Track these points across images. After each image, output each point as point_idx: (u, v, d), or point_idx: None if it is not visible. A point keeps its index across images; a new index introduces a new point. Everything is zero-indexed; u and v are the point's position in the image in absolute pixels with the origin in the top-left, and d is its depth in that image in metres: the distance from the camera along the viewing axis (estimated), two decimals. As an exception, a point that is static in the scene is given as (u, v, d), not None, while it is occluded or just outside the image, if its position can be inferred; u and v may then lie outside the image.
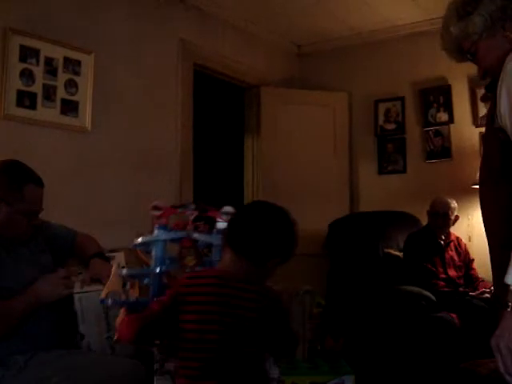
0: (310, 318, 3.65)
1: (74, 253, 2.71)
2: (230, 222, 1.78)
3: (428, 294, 4.20)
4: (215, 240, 1.94)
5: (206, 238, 1.96)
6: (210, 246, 1.98)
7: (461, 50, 1.99)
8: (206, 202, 2.22)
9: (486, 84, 2.00)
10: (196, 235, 1.93)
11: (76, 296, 2.39)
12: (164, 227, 1.99)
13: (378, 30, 5.57)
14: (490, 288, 4.16)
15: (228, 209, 1.98)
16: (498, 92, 1.77)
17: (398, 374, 3.90)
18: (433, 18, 4.98)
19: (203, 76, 5.24)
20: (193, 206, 2.04)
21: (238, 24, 5.35)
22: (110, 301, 1.90)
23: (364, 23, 5.47)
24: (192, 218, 2.02)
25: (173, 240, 1.98)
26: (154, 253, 1.96)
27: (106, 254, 2.80)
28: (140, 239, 1.99)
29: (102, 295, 1.94)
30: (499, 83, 1.77)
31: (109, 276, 2.08)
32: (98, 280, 2.41)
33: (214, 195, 5.59)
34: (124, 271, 2.07)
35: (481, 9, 1.87)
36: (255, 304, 1.68)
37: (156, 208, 2.01)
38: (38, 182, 2.41)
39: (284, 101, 5.67)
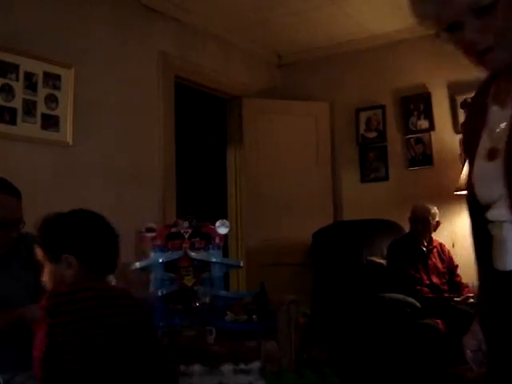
0: (295, 328, 3.64)
1: None
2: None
3: (412, 300, 4.21)
4: (213, 257, 1.93)
5: (204, 256, 1.95)
6: (207, 262, 1.97)
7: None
8: (191, 214, 2.21)
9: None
10: (193, 254, 1.92)
11: None
12: (161, 248, 1.98)
13: (357, 40, 5.60)
14: (474, 293, 4.18)
15: (222, 222, 1.97)
16: None
17: (385, 382, 3.90)
18: (411, 27, 5.03)
19: (184, 88, 5.24)
20: (187, 224, 2.03)
21: (218, 35, 5.36)
22: None
23: (344, 33, 5.50)
24: (187, 236, 2.01)
25: (170, 261, 1.97)
26: (153, 276, 1.94)
27: None
28: (138, 264, 1.97)
29: None
30: None
31: None
32: None
33: (197, 207, 5.58)
34: None
35: None
36: None
37: (149, 229, 1.99)
38: (12, 192, 2.38)
39: (266, 111, 5.68)
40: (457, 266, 4.62)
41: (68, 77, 3.98)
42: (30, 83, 3.78)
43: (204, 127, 6.70)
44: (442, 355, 3.82)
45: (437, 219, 4.58)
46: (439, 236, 4.74)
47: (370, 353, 4.13)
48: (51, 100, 3.89)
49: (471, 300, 4.20)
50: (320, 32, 5.47)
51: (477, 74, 1.66)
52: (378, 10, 4.99)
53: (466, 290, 4.41)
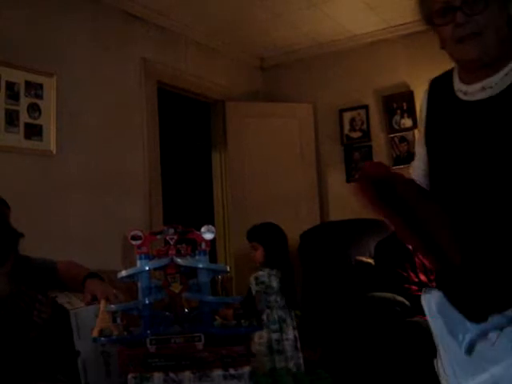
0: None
1: (60, 281, 2.64)
2: None
3: (401, 299, 4.22)
4: (200, 263, 1.93)
5: (190, 262, 1.94)
6: (194, 268, 1.96)
7: None
8: (177, 219, 2.20)
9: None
10: (179, 261, 1.91)
11: (72, 312, 2.36)
12: (146, 256, 1.97)
13: (338, 40, 5.63)
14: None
15: (208, 228, 1.97)
16: None
17: (376, 380, 3.91)
18: (391, 26, 5.06)
19: (167, 93, 5.23)
20: (172, 231, 2.03)
21: (199, 40, 5.36)
22: (102, 339, 1.87)
23: (325, 34, 5.52)
24: (173, 242, 2.00)
25: (156, 268, 1.96)
26: (139, 284, 1.93)
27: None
28: (124, 272, 1.96)
29: (94, 334, 1.92)
30: None
31: (112, 294, 2.05)
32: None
33: (184, 212, 5.57)
34: (113, 306, 2.04)
35: None
36: None
37: (135, 237, 1.98)
38: (2, 203, 2.37)
39: (249, 114, 5.69)
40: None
41: (50, 85, 3.97)
42: (12, 93, 3.76)
43: (188, 132, 6.69)
44: (432, 353, 3.83)
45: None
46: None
47: (361, 352, 4.14)
48: (34, 109, 3.88)
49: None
50: (301, 34, 5.48)
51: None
52: (357, 11, 5.01)
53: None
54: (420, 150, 1.87)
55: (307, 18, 5.14)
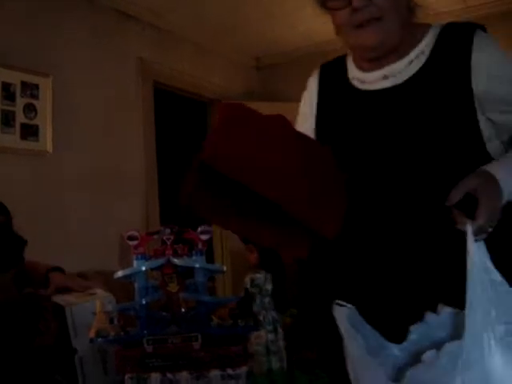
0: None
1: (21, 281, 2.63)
2: None
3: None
4: (196, 262, 1.93)
5: (187, 262, 1.95)
6: (191, 268, 1.97)
7: None
8: (174, 219, 2.21)
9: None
10: (176, 261, 1.92)
11: (67, 309, 2.35)
12: (143, 256, 1.97)
13: (334, 40, 5.60)
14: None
15: (205, 228, 1.97)
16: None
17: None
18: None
19: (164, 93, 5.23)
20: (168, 231, 2.03)
21: (195, 40, 5.36)
22: (99, 339, 1.88)
23: (321, 32, 5.52)
24: (170, 242, 2.00)
25: (153, 268, 1.96)
26: (136, 284, 1.93)
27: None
28: (120, 273, 1.97)
29: (91, 334, 1.92)
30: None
31: (78, 284, 2.05)
32: (67, 290, 2.37)
33: (180, 213, 5.57)
34: (111, 307, 2.04)
35: None
36: None
37: (131, 238, 1.99)
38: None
39: (246, 114, 5.68)
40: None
41: (46, 86, 3.97)
42: (8, 93, 3.76)
43: (185, 131, 6.69)
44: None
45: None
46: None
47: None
48: (30, 109, 3.88)
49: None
50: (297, 33, 5.49)
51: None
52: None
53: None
54: None
55: (303, 17, 5.14)
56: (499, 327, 1.05)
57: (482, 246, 1.15)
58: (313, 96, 1.80)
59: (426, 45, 1.49)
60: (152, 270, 1.95)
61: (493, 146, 1.46)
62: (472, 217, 1.20)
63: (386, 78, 1.51)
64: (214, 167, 1.28)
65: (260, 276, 3.98)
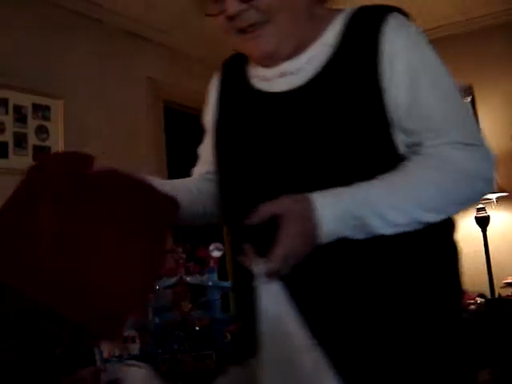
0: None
1: None
2: None
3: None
4: (208, 281, 1.94)
5: (199, 280, 1.95)
6: (203, 287, 1.97)
7: None
8: (186, 238, 2.22)
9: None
10: (189, 279, 1.93)
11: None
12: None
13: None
14: (474, 299, 4.17)
15: (216, 245, 1.98)
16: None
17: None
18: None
19: (174, 112, 5.25)
20: (180, 249, 2.04)
21: (203, 58, 5.38)
22: (114, 359, 1.88)
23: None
24: (182, 261, 2.01)
25: (166, 287, 1.97)
26: (150, 304, 1.94)
27: None
28: None
29: (105, 355, 1.93)
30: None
31: None
32: None
33: (192, 231, 5.56)
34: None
35: None
36: None
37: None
38: None
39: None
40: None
41: (57, 107, 3.99)
42: (20, 116, 3.79)
43: (196, 150, 6.70)
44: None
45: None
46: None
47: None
48: (42, 131, 3.90)
49: (472, 307, 4.19)
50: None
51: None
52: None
53: (466, 296, 4.40)
54: (204, 152, 1.57)
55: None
56: None
57: (275, 287, 0.97)
58: (210, 100, 1.52)
59: (333, 36, 1.23)
60: (165, 288, 1.96)
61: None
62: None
63: (283, 75, 1.25)
64: None
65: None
